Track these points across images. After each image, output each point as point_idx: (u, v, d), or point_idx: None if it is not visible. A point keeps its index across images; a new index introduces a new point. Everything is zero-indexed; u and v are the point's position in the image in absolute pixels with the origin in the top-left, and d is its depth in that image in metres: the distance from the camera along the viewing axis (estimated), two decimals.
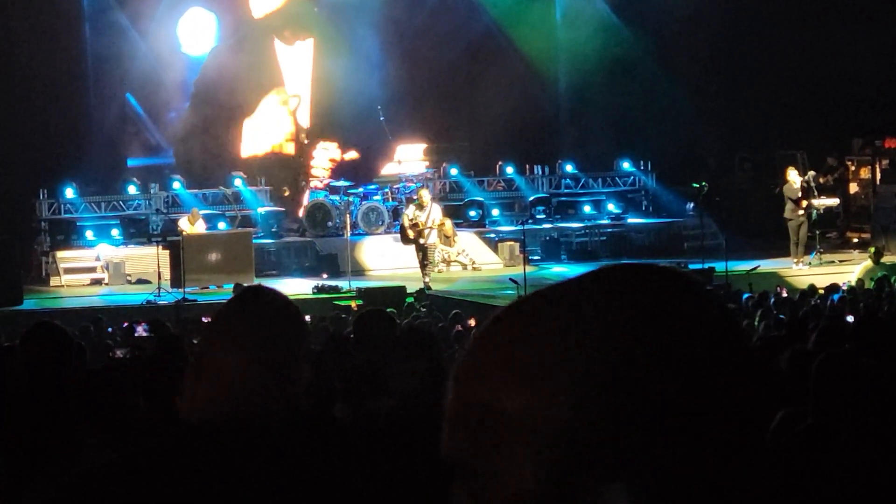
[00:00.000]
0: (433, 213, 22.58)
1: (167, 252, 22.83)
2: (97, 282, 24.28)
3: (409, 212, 22.81)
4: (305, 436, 2.54)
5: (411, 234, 22.45)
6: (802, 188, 23.34)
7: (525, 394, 1.15)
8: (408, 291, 20.78)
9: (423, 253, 22.40)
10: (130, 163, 28.43)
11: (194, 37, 28.81)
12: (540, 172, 28.37)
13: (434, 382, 4.98)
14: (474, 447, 1.17)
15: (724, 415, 1.16)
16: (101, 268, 24.51)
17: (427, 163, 27.29)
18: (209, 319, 2.56)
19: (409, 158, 27.21)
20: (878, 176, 26.92)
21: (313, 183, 26.90)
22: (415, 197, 23.78)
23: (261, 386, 2.44)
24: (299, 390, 2.50)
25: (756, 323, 12.50)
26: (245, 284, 20.78)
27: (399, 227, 23.39)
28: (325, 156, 28.41)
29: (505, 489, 1.15)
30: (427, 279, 22.13)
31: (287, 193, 27.60)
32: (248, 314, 2.51)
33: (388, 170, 27.13)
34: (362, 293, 20.74)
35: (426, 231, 22.37)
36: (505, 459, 1.15)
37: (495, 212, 27.44)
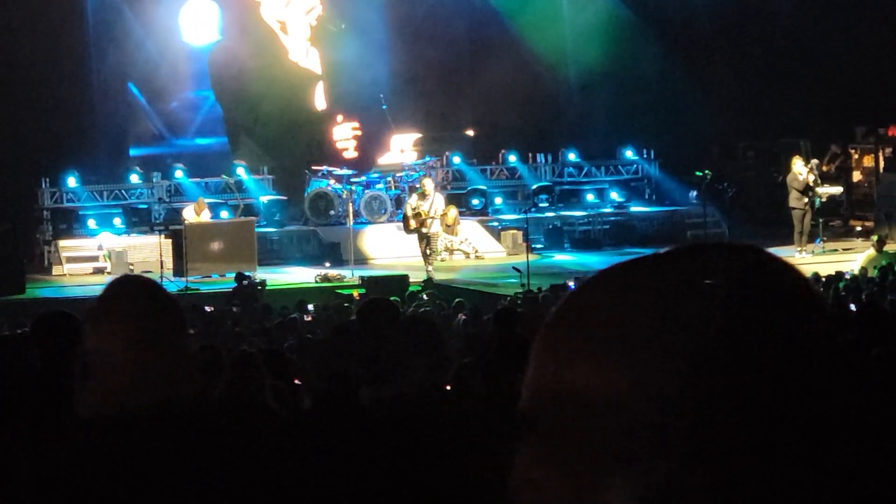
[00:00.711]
0: (436, 203, 22.55)
1: (169, 241, 22.83)
2: (99, 271, 24.27)
3: (412, 201, 22.80)
4: (197, 420, 2.52)
5: (413, 223, 22.42)
6: (807, 178, 23.30)
7: (610, 370, 1.14)
8: (410, 280, 20.79)
9: (427, 242, 22.37)
10: (132, 152, 28.43)
11: (196, 26, 28.77)
12: (543, 161, 28.34)
13: (437, 371, 4.98)
14: (549, 417, 1.16)
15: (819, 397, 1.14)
16: (103, 257, 24.51)
17: (416, 154, 27.24)
18: (89, 314, 2.54)
19: (402, 149, 27.22)
20: (882, 164, 26.88)
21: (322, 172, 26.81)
22: (418, 186, 23.76)
23: (145, 372, 2.42)
24: (185, 375, 2.48)
25: None
26: (248, 272, 20.82)
27: (402, 216, 23.37)
28: (348, 126, 28.25)
29: (572, 462, 1.14)
30: (430, 268, 22.11)
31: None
32: (121, 303, 2.49)
33: (388, 159, 27.11)
34: (365, 282, 20.74)
35: (428, 221, 22.32)
36: (577, 433, 1.14)
37: (498, 200, 27.42)
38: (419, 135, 27.91)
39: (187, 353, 2.49)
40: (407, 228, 22.70)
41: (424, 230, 22.33)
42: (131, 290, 2.54)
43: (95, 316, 2.50)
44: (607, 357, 1.14)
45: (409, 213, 22.54)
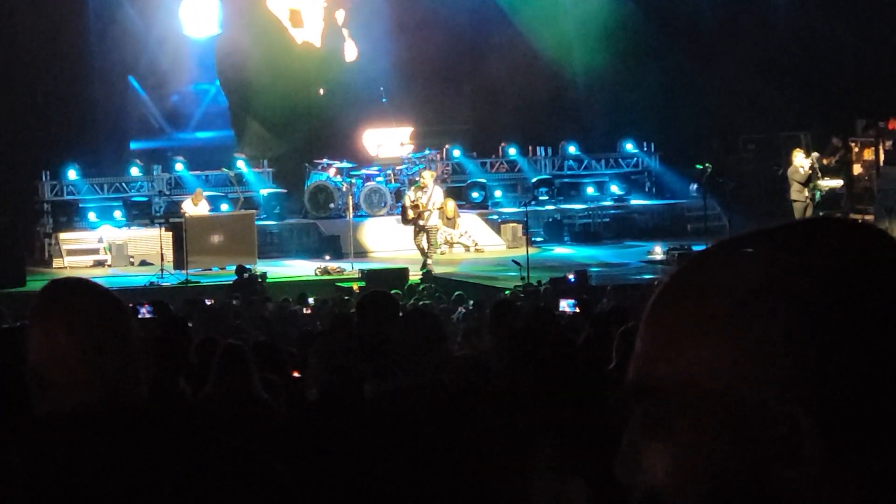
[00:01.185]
0: (434, 196, 22.49)
1: (170, 234, 22.84)
2: (100, 263, 24.28)
3: (411, 193, 22.79)
4: (158, 419, 2.52)
5: (411, 213, 22.32)
6: (808, 171, 23.30)
7: (718, 344, 1.13)
8: (410, 273, 20.80)
9: (426, 235, 22.31)
10: (133, 145, 28.43)
11: (196, 19, 28.75)
12: (543, 154, 28.34)
13: (439, 362, 4.99)
14: (659, 391, 1.15)
15: None
16: (103, 249, 24.51)
17: (416, 147, 27.21)
18: (33, 316, 2.54)
19: (401, 142, 27.21)
20: (882, 157, 26.86)
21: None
22: (417, 178, 23.75)
23: (97, 372, 2.43)
24: (137, 374, 2.48)
25: None
26: (248, 265, 20.83)
27: (401, 206, 23.35)
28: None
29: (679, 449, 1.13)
30: (430, 261, 22.10)
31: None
32: (64, 302, 2.49)
33: (388, 152, 27.10)
34: (365, 275, 20.75)
35: (426, 213, 22.24)
36: (687, 407, 1.13)
37: (498, 193, 27.42)
38: (419, 128, 27.89)
39: (138, 351, 2.50)
40: (405, 219, 22.63)
41: (422, 222, 22.26)
42: (70, 291, 2.55)
43: (39, 321, 2.50)
44: (715, 332, 1.13)
45: (408, 204, 22.52)
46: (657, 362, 1.16)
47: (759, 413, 1.11)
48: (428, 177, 23.00)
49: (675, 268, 1.21)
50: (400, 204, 23.93)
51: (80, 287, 2.57)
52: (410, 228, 22.74)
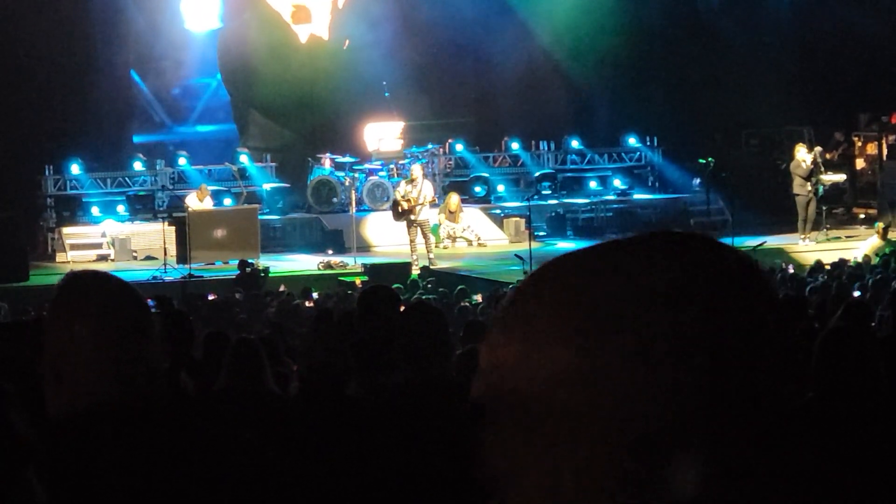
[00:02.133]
0: (424, 189, 22.28)
1: (173, 228, 22.85)
2: (103, 258, 24.30)
3: (401, 188, 22.64)
4: (170, 417, 2.52)
5: (404, 206, 22.17)
6: (810, 165, 23.28)
7: (564, 353, 1.12)
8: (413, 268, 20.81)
9: (419, 229, 22.19)
10: (135, 139, 28.44)
11: (198, 13, 28.75)
12: (546, 148, 28.32)
13: (442, 356, 4.99)
14: (509, 406, 1.13)
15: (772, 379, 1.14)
16: (106, 244, 24.54)
17: (418, 141, 27.19)
18: (50, 311, 2.52)
19: (403, 136, 27.20)
20: (885, 151, 26.84)
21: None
22: (407, 173, 23.69)
23: (114, 367, 2.42)
24: (153, 371, 2.47)
25: None
26: (251, 259, 20.84)
27: (392, 202, 23.21)
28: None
29: (538, 487, 1.12)
30: (431, 255, 22.07)
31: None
32: (82, 296, 2.48)
33: (390, 146, 27.09)
34: (368, 269, 20.76)
35: (417, 207, 22.08)
36: (538, 419, 1.12)
37: (501, 188, 27.41)
38: (421, 122, 27.87)
39: (155, 345, 2.49)
40: (396, 215, 22.48)
41: (413, 217, 22.13)
42: (89, 286, 2.53)
43: (56, 316, 2.48)
44: (561, 341, 1.12)
45: (399, 198, 22.35)
46: (508, 375, 1.14)
47: (616, 429, 1.10)
48: (417, 170, 22.83)
49: (525, 279, 1.20)
50: (386, 200, 23.75)
51: (101, 280, 2.56)
52: (399, 222, 22.59)
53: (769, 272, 15.57)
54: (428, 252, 22.09)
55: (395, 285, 15.24)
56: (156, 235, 23.48)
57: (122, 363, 2.42)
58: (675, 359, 1.11)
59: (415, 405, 4.69)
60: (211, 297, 17.32)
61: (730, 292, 1.14)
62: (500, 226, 25.74)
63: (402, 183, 22.80)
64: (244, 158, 27.03)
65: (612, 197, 27.33)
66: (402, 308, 5.92)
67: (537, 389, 1.12)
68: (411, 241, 22.18)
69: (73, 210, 25.78)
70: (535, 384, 1.13)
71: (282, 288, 18.49)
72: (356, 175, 25.42)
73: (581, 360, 1.11)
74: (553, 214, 26.24)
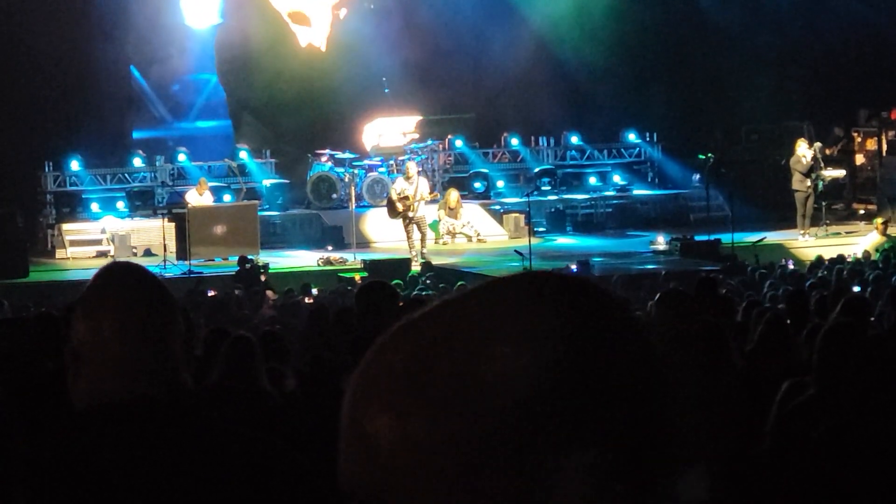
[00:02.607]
0: (420, 186, 22.30)
1: (173, 224, 22.84)
2: (103, 254, 24.28)
3: (397, 185, 22.64)
4: (193, 412, 2.52)
5: (400, 206, 22.20)
6: (810, 161, 23.28)
7: (414, 423, 1.11)
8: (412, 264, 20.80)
9: (417, 226, 22.19)
10: (135, 135, 28.44)
11: (198, 9, 28.73)
12: (545, 144, 28.32)
13: None
14: (374, 481, 1.14)
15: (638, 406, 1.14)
16: (106, 240, 24.52)
17: (418, 137, 27.16)
18: (81, 300, 2.52)
19: (403, 132, 27.19)
20: (885, 147, 26.84)
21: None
22: (402, 170, 23.67)
23: (138, 361, 2.42)
24: (177, 365, 2.47)
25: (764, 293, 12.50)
26: (251, 255, 20.84)
27: (387, 200, 23.18)
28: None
29: None
30: (425, 250, 22.08)
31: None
32: (113, 292, 2.48)
33: (390, 142, 27.08)
34: (368, 265, 20.75)
35: (415, 204, 22.10)
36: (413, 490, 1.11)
37: (500, 183, 27.41)
38: (420, 118, 27.85)
39: (179, 341, 2.49)
40: (393, 213, 22.47)
41: (411, 214, 22.14)
42: (123, 278, 2.53)
43: (86, 305, 2.48)
44: (411, 411, 1.12)
45: (395, 197, 22.33)
46: (367, 459, 1.15)
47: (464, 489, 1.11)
48: (412, 167, 22.87)
49: (367, 355, 1.18)
50: (386, 196, 23.71)
51: (132, 273, 2.56)
52: (395, 220, 22.57)
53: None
54: (422, 247, 22.09)
55: (395, 281, 15.23)
56: (155, 231, 23.48)
57: (145, 357, 2.42)
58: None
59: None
60: (211, 293, 17.32)
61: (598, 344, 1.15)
62: (500, 222, 25.74)
63: (399, 180, 22.80)
64: (244, 155, 27.03)
65: (611, 193, 27.32)
66: (401, 304, 5.91)
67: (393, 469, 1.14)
68: (409, 239, 22.19)
69: (72, 206, 25.78)
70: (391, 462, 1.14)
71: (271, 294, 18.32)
72: (356, 171, 25.41)
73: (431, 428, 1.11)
74: (553, 210, 26.24)
